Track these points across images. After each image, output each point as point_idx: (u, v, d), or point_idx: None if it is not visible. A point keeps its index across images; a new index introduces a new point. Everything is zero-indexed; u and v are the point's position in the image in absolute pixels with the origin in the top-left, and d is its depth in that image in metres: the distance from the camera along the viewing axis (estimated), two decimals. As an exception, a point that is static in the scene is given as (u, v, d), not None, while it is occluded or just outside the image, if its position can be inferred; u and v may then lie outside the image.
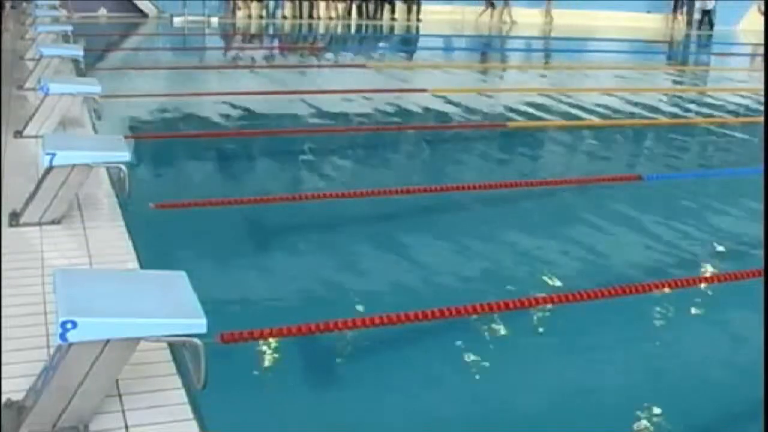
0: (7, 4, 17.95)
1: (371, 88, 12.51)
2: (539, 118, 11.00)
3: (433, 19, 25.92)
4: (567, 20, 26.87)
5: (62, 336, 2.73)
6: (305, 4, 25.24)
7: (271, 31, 23.00)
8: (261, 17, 24.85)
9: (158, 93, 11.12)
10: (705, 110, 12.50)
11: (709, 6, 27.85)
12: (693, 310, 4.92)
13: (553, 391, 3.87)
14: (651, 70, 18.25)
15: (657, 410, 3.71)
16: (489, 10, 27.34)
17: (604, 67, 17.13)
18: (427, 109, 11.15)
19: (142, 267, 4.47)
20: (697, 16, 28.59)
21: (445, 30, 23.53)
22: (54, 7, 15.20)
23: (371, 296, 4.86)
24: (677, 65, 20.45)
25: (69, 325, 2.72)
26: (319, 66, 16.71)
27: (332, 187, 7.18)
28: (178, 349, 3.30)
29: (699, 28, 27.88)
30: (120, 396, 3.13)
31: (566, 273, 5.35)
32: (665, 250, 5.89)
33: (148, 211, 5.50)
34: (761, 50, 20.14)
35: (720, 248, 6.08)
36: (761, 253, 5.55)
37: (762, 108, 11.91)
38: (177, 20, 22.01)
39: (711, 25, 27.94)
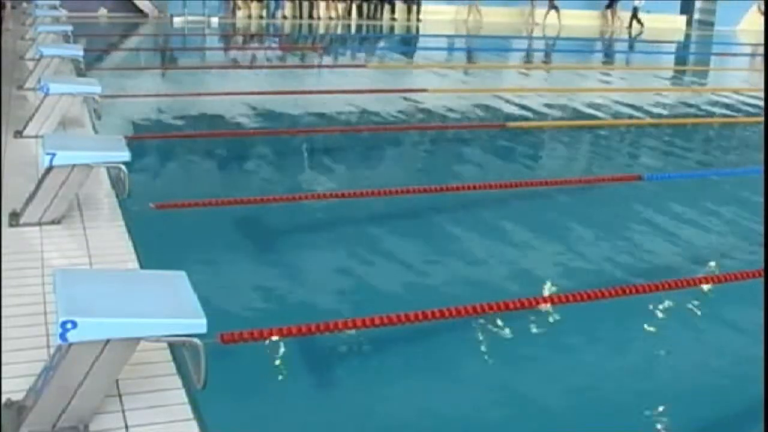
0: (8, 4, 17.93)
1: (371, 88, 12.52)
2: (538, 118, 11.01)
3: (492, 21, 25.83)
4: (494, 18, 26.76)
5: (62, 336, 2.73)
6: (305, 4, 25.22)
7: (271, 31, 22.99)
8: (261, 17, 24.84)
9: (158, 93, 11.13)
10: (703, 110, 12.51)
11: (637, 3, 27.96)
12: (693, 311, 4.91)
13: (554, 391, 3.87)
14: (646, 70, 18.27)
15: (658, 410, 3.71)
16: (552, 11, 27.36)
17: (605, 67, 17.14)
18: (426, 109, 11.15)
19: (142, 267, 4.47)
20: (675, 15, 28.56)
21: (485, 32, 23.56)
22: (54, 7, 15.18)
23: (371, 296, 4.86)
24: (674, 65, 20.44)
25: (69, 325, 2.72)
26: (319, 66, 16.71)
27: (332, 187, 7.18)
28: (178, 349, 3.30)
29: (630, 26, 27.94)
30: (120, 396, 3.13)
31: (566, 273, 5.35)
32: (665, 251, 5.89)
33: (148, 211, 5.50)
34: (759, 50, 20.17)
35: (720, 248, 6.08)
36: (761, 253, 5.56)
37: (762, 108, 11.92)
38: (177, 20, 22.01)
39: (639, 21, 28.03)
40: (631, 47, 24.39)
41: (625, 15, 28.35)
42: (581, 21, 27.60)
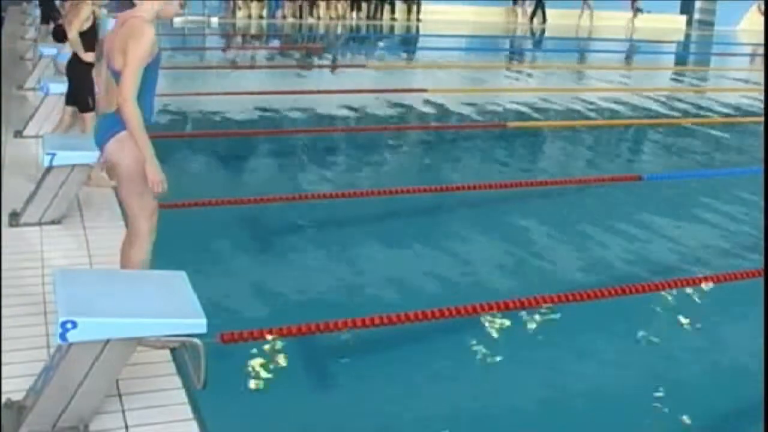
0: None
1: (371, 88, 12.51)
2: (538, 118, 11.01)
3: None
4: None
5: (62, 336, 2.73)
6: (305, 4, 25.23)
7: (271, 31, 22.99)
8: (261, 17, 24.84)
9: (158, 93, 11.08)
10: (703, 110, 12.51)
11: None
12: (693, 310, 4.91)
13: (554, 391, 3.87)
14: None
15: (658, 410, 3.71)
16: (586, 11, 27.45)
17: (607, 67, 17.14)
18: (426, 109, 11.15)
19: (142, 267, 4.46)
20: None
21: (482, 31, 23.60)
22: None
23: (371, 296, 4.86)
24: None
25: (69, 325, 2.72)
26: (319, 66, 16.71)
27: (332, 187, 7.18)
28: (178, 348, 3.30)
29: (531, 21, 27.85)
30: (120, 396, 3.14)
31: (566, 273, 5.35)
32: (665, 250, 5.89)
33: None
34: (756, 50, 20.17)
35: (720, 248, 6.07)
36: (761, 252, 5.56)
37: (761, 108, 11.93)
38: (177, 20, 22.00)
39: (543, 17, 27.95)
40: (632, 47, 24.38)
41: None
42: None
